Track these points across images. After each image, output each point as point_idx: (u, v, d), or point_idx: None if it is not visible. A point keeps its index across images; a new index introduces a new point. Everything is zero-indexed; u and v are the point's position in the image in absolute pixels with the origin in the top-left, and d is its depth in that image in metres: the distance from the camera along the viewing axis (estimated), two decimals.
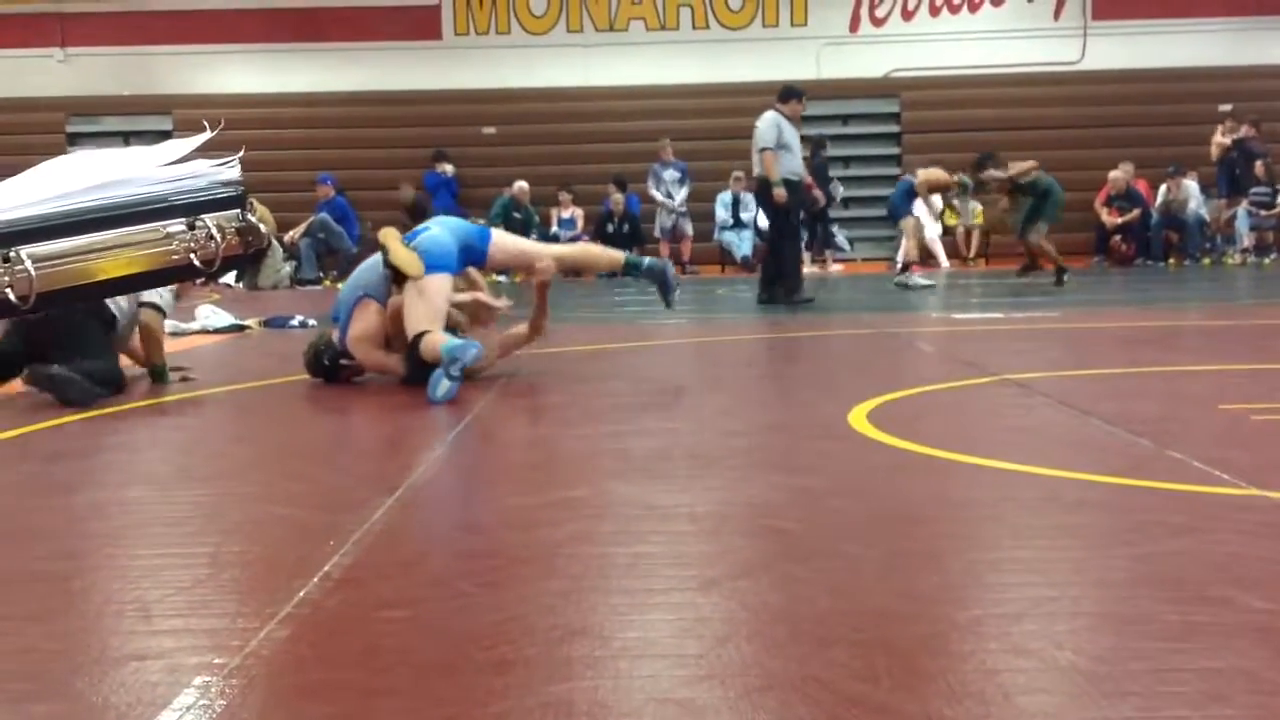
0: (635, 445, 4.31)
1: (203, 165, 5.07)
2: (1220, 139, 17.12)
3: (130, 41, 18.43)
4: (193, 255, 4.44)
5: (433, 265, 5.79)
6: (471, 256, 6.06)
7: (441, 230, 6.00)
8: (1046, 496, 3.40)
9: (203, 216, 4.53)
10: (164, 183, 4.63)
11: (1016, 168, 12.98)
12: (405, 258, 5.81)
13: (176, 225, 4.57)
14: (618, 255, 6.57)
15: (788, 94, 11.02)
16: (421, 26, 18.80)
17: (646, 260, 6.59)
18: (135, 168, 4.44)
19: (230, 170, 4.97)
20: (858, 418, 4.61)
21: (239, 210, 4.84)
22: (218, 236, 4.50)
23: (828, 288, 13.51)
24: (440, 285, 5.79)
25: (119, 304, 6.05)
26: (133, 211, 4.66)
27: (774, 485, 3.64)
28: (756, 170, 10.89)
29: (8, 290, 3.56)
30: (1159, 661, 2.09)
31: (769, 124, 10.75)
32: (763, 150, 10.63)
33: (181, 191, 4.79)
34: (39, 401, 5.41)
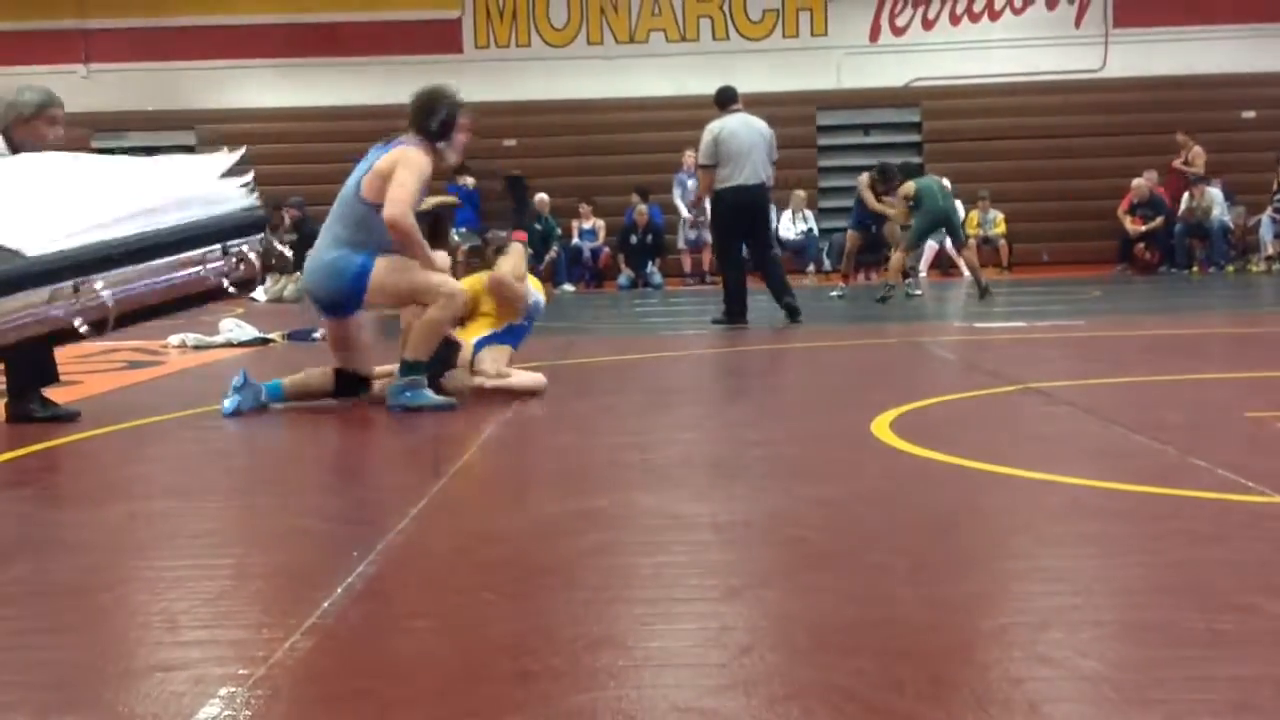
0: (658, 455, 4.31)
1: (230, 187, 5.08)
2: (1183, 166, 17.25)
3: (153, 57, 18.55)
4: (225, 279, 4.52)
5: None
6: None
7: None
8: (1071, 505, 3.38)
9: (235, 242, 4.59)
10: (204, 205, 4.67)
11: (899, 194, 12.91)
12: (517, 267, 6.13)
13: (212, 250, 4.63)
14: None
15: (724, 99, 10.18)
16: (442, 40, 18.87)
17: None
18: (193, 181, 4.46)
19: (252, 196, 4.98)
20: (881, 427, 4.60)
21: (263, 234, 4.91)
22: (252, 259, 4.56)
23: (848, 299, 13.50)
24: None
25: None
26: (181, 239, 4.69)
27: (797, 494, 3.63)
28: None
29: (77, 318, 3.62)
30: (1185, 670, 2.08)
31: (703, 136, 10.02)
32: (699, 168, 9.89)
33: (218, 217, 4.82)
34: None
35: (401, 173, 5.46)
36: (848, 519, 3.30)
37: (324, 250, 5.50)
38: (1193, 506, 3.28)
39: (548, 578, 2.78)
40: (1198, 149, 17.26)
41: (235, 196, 4.75)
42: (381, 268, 5.46)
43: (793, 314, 9.82)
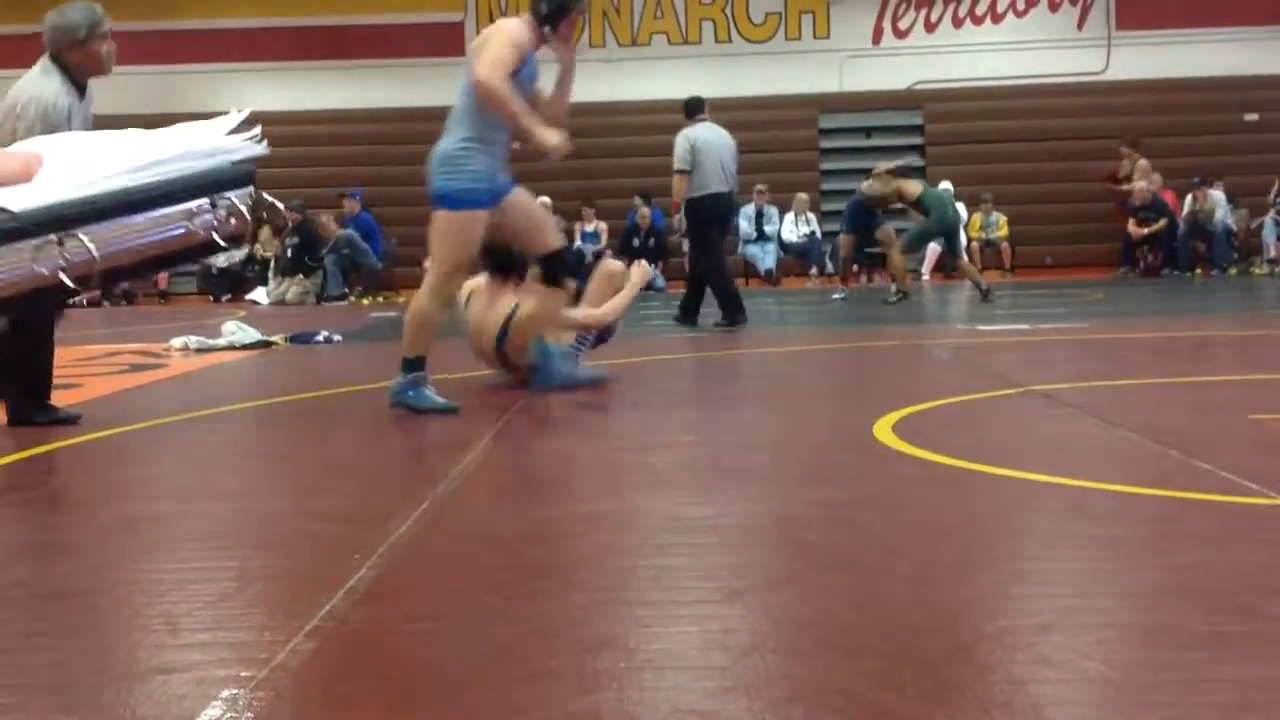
0: (660, 457, 4.31)
1: (236, 140, 5.05)
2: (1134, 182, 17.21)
3: (157, 60, 18.56)
4: (214, 233, 4.48)
5: None
6: None
7: None
8: (1074, 507, 3.38)
9: (224, 195, 4.52)
10: (198, 159, 4.62)
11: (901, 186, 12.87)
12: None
13: (201, 204, 4.57)
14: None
15: (693, 108, 10.46)
16: (445, 43, 18.87)
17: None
18: (194, 140, 4.43)
19: (259, 145, 4.93)
20: (883, 429, 4.60)
21: (251, 187, 4.84)
22: (242, 211, 4.51)
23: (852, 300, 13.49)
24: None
25: None
26: (169, 192, 4.64)
27: (799, 497, 3.63)
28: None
29: (61, 273, 3.59)
30: (1189, 672, 2.08)
31: (678, 143, 10.20)
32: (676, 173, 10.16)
33: (205, 171, 4.75)
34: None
35: (493, 42, 5.35)
36: (850, 522, 3.29)
37: (442, 144, 5.47)
38: (1196, 509, 3.28)
39: (549, 580, 2.78)
40: (1144, 162, 17.21)
41: (240, 148, 4.71)
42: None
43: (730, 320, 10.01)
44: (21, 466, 4.56)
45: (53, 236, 3.84)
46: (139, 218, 4.19)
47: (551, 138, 5.41)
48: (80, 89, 5.27)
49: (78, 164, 4.21)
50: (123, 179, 4.18)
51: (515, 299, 6.12)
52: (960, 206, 16.37)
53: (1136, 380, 6.11)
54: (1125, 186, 17.31)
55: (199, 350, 8.97)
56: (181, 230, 4.33)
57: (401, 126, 18.53)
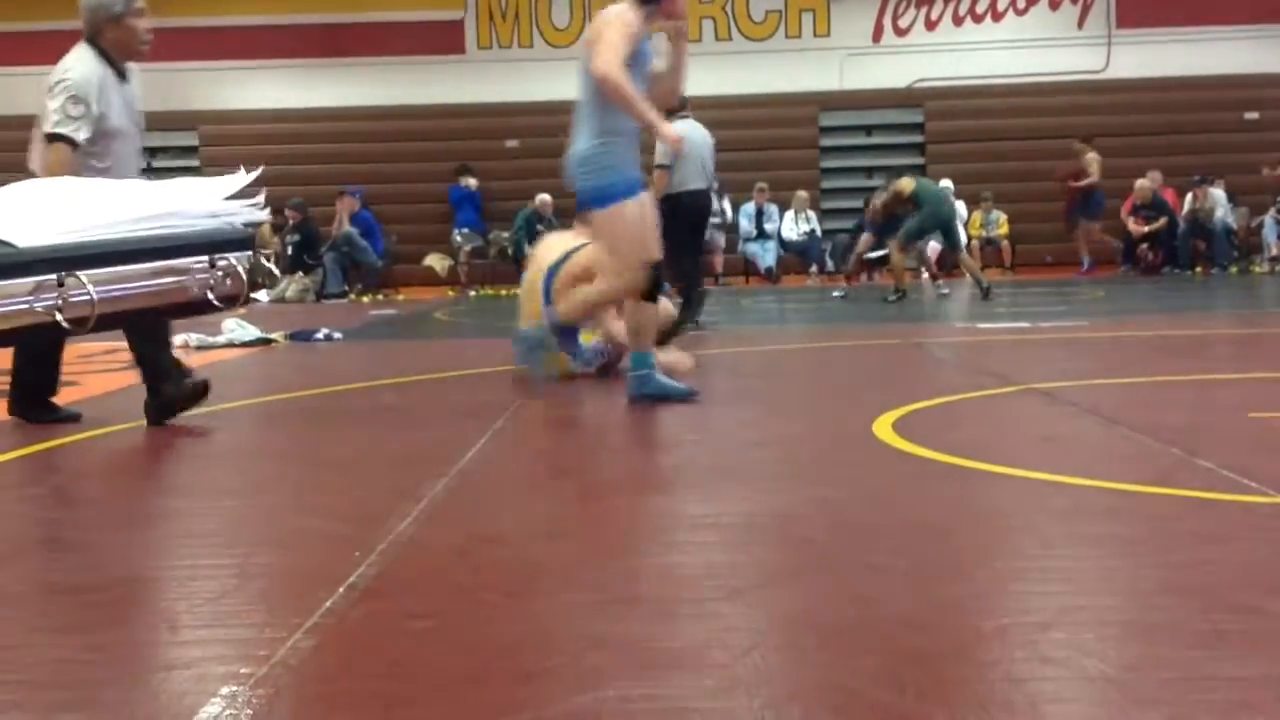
0: (660, 456, 4.31)
1: (239, 204, 5.02)
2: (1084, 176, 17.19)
3: (155, 57, 18.47)
4: (209, 292, 4.50)
5: None
6: None
7: None
8: (1074, 506, 3.38)
9: (225, 255, 4.55)
10: (206, 218, 4.65)
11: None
12: None
13: (200, 261, 4.61)
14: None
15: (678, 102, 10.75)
16: (445, 41, 18.88)
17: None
18: (195, 199, 4.47)
19: (261, 211, 4.93)
20: (883, 427, 4.60)
21: (250, 251, 4.87)
22: (239, 273, 4.55)
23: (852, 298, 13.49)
24: None
25: None
26: (171, 246, 4.65)
27: (800, 495, 3.63)
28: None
29: (58, 313, 3.60)
30: (1188, 670, 2.08)
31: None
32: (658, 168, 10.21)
33: (209, 230, 4.78)
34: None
35: (607, 33, 5.30)
36: (850, 519, 3.30)
37: (577, 146, 5.45)
38: (1196, 507, 3.28)
39: (549, 578, 2.78)
40: (1091, 155, 17.19)
41: (242, 212, 4.72)
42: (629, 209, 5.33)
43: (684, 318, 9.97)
44: (22, 463, 4.56)
45: (53, 276, 3.86)
46: (139, 267, 4.22)
47: (671, 131, 5.39)
48: (119, 72, 5.18)
49: (83, 208, 4.22)
50: (127, 227, 4.20)
51: (581, 240, 6.26)
52: (960, 205, 16.39)
53: (1136, 378, 6.11)
54: (1084, 182, 17.27)
55: (199, 348, 8.97)
56: (178, 285, 4.36)
57: (402, 124, 18.55)
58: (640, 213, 5.39)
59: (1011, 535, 3.15)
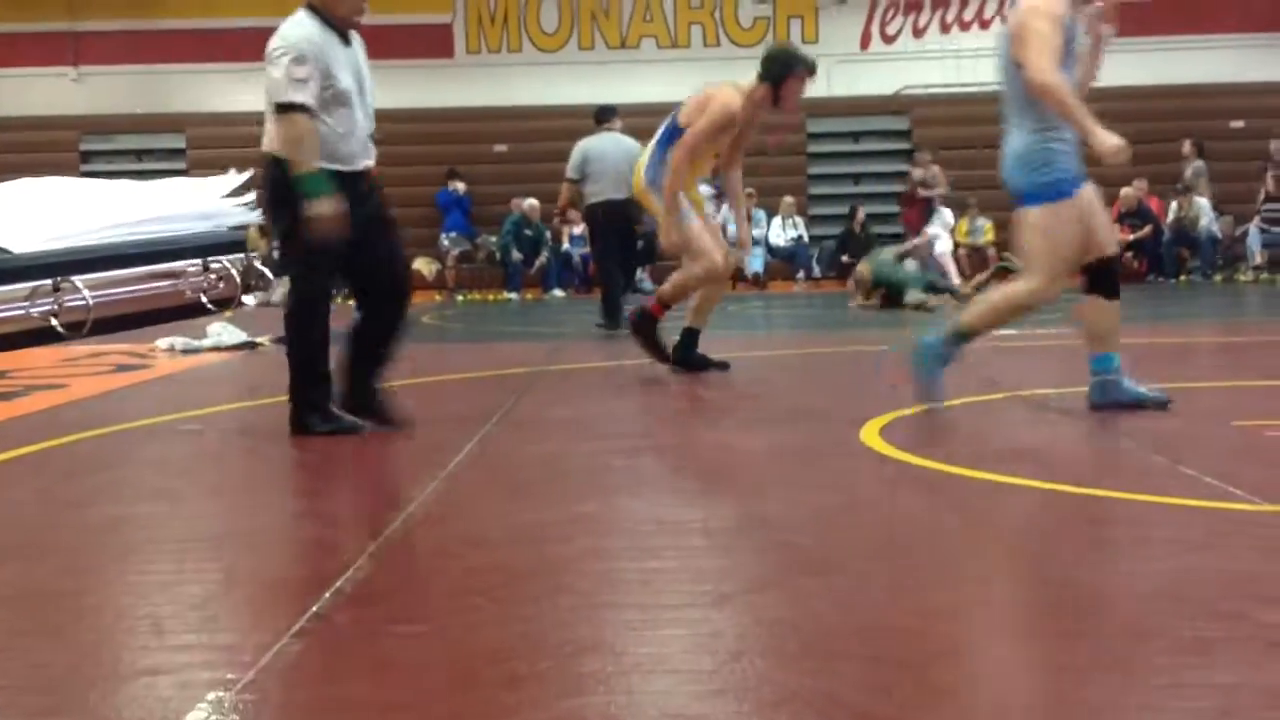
0: (647, 460, 4.31)
1: (231, 205, 5.00)
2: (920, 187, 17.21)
3: (143, 60, 18.50)
4: (203, 294, 4.50)
5: None
6: None
7: None
8: (1059, 512, 3.39)
9: (218, 258, 4.55)
10: (195, 220, 4.64)
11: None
12: None
13: (193, 264, 4.61)
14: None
15: (602, 116, 11.18)
16: (433, 45, 18.86)
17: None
18: (186, 201, 4.45)
19: (254, 213, 4.91)
20: (870, 433, 4.60)
21: (243, 254, 4.86)
22: (232, 275, 4.55)
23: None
24: None
25: None
26: (164, 250, 4.64)
27: (787, 501, 3.63)
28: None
29: (53, 318, 3.59)
30: (1172, 676, 2.09)
31: (574, 153, 10.84)
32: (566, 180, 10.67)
33: (202, 234, 4.78)
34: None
35: (1034, 25, 4.76)
36: (837, 525, 3.30)
37: (1013, 141, 5.04)
38: (1181, 514, 3.29)
39: (536, 583, 2.77)
40: (936, 168, 17.21)
41: (235, 213, 4.68)
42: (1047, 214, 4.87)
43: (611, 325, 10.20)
44: (6, 467, 4.54)
45: (48, 281, 3.85)
46: (134, 271, 4.21)
47: (1111, 140, 4.67)
48: (342, 36, 4.86)
49: (78, 212, 4.21)
50: (122, 231, 4.18)
51: None
52: (947, 212, 16.43)
53: None
54: (926, 193, 17.25)
55: (184, 351, 8.94)
56: (173, 288, 4.36)
57: (390, 128, 18.38)
58: (1075, 215, 4.89)
59: (997, 542, 3.16)
